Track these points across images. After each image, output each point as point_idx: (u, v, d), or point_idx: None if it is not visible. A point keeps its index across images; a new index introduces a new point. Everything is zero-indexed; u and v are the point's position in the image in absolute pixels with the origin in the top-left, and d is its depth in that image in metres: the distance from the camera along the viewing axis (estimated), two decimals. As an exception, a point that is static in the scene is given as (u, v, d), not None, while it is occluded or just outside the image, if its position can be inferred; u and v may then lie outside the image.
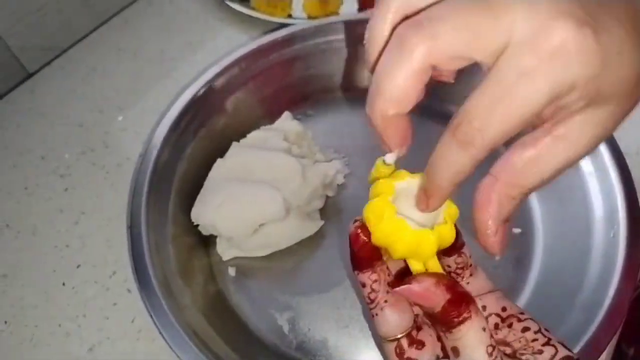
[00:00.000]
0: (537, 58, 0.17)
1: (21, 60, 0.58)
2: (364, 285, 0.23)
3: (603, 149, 0.42)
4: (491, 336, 0.20)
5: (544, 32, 0.17)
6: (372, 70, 0.21)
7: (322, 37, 0.53)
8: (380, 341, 0.24)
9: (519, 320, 0.23)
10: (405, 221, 0.22)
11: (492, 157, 0.20)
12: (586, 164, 0.43)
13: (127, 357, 0.42)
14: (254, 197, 0.44)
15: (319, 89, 0.54)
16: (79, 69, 0.60)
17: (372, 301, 0.23)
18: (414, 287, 0.21)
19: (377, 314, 0.23)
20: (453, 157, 0.19)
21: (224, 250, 0.46)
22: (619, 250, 0.38)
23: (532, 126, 0.20)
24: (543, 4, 0.17)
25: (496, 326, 0.23)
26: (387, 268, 0.24)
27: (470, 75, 0.22)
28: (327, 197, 0.49)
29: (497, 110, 0.18)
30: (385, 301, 0.23)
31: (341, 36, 0.53)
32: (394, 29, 0.20)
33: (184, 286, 0.42)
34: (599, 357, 0.35)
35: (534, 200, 0.47)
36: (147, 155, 0.44)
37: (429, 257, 0.23)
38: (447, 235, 0.23)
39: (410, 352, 0.23)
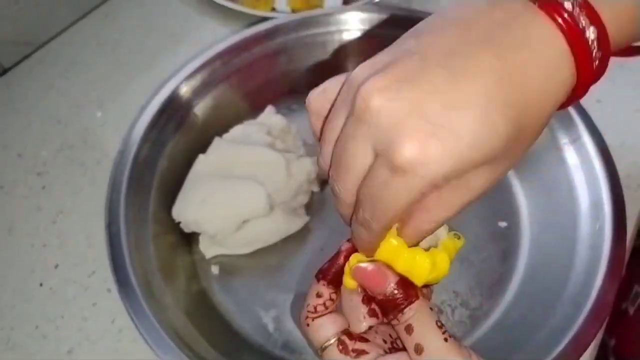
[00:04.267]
0: (392, 172, 0.20)
1: (-4, 55, 0.56)
2: (319, 296, 0.25)
3: (588, 142, 0.42)
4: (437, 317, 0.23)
5: (395, 149, 0.19)
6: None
7: (305, 30, 0.52)
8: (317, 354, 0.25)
9: None
10: (403, 245, 0.23)
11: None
12: (571, 157, 0.43)
13: (108, 358, 0.41)
14: (237, 192, 0.43)
15: (303, 83, 0.53)
16: (56, 63, 0.58)
17: (316, 312, 0.25)
18: (368, 267, 0.23)
19: (312, 320, 0.25)
20: (361, 235, 0.23)
21: (207, 248, 0.45)
22: (604, 242, 0.38)
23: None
24: (383, 126, 0.20)
25: None
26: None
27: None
28: (312, 192, 0.48)
29: (375, 209, 0.21)
30: (325, 314, 0.25)
31: (325, 29, 0.52)
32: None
33: (165, 285, 0.41)
34: (587, 348, 0.35)
35: (520, 194, 0.47)
36: (126, 151, 0.43)
37: (421, 280, 0.24)
38: (440, 262, 0.24)
39: (354, 344, 0.24)
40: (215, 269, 0.45)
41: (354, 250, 0.25)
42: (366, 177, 0.21)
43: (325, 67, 0.53)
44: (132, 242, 0.40)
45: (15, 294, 0.44)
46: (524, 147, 0.22)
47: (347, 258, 0.25)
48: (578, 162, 0.43)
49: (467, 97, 0.19)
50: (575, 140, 0.43)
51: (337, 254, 0.25)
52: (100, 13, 0.63)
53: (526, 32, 0.21)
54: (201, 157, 0.46)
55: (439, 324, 0.22)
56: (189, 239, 0.46)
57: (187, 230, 0.45)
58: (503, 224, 0.45)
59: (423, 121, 0.19)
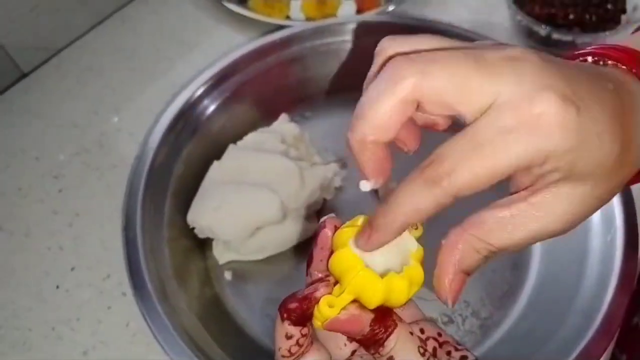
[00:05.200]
0: (518, 120, 0.18)
1: (16, 60, 0.57)
2: (290, 337, 0.22)
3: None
4: (419, 339, 0.21)
5: (529, 100, 0.18)
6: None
7: (320, 38, 0.52)
8: None
9: (456, 349, 0.22)
10: (373, 271, 0.22)
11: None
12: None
13: (122, 361, 0.42)
14: (251, 200, 0.44)
15: (317, 91, 0.54)
16: (74, 69, 0.60)
17: (291, 354, 0.22)
18: (340, 317, 0.21)
19: None
20: (416, 193, 0.19)
21: (221, 254, 0.46)
22: (615, 255, 0.38)
23: (510, 192, 0.21)
24: (530, 76, 0.19)
25: (434, 351, 0.22)
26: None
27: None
28: (325, 199, 0.48)
29: (469, 159, 0.18)
30: (303, 352, 0.23)
31: (339, 38, 0.52)
32: (388, 59, 0.21)
33: (179, 290, 0.41)
34: (597, 361, 0.35)
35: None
36: (142, 157, 0.44)
37: (402, 302, 0.22)
38: (417, 277, 0.22)
39: None
40: (228, 275, 0.45)
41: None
42: (472, 123, 0.19)
43: (339, 75, 0.54)
44: (148, 246, 0.41)
45: (32, 296, 0.45)
46: (616, 185, 0.21)
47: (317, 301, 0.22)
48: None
49: (603, 112, 0.20)
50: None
51: (309, 297, 0.22)
52: (116, 20, 0.64)
53: (631, 89, 0.22)
54: (216, 164, 0.47)
55: (421, 350, 0.21)
56: (203, 245, 0.47)
57: (201, 235, 0.45)
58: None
59: (570, 89, 0.19)
